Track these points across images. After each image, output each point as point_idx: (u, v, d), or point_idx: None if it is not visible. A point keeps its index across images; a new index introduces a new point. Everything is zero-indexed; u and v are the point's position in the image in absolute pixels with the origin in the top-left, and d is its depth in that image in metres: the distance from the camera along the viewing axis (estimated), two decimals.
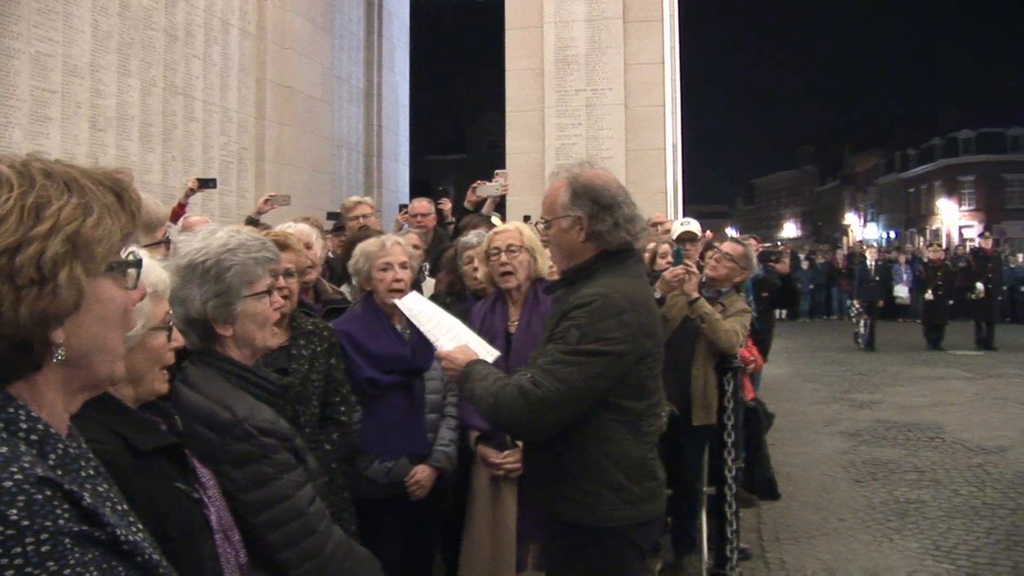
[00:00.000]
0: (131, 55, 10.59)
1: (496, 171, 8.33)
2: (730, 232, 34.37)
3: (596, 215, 3.08)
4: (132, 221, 1.32)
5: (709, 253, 6.01)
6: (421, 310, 3.60)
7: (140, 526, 1.31)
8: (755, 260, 6.21)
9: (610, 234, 3.09)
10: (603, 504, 3.01)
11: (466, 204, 7.94)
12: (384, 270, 4.19)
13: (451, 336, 3.36)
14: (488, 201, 7.98)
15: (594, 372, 2.92)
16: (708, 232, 8.90)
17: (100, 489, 1.27)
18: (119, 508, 1.28)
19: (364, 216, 6.81)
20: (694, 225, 7.56)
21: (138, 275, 1.35)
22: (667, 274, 5.21)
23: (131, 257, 1.33)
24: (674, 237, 6.75)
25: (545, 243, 3.37)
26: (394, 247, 4.30)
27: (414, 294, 3.87)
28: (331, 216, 8.17)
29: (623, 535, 3.07)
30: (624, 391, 3.04)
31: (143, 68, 10.83)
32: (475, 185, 7.95)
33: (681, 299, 5.46)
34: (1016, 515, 6.81)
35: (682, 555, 5.87)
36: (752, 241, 9.23)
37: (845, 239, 65.26)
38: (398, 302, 3.77)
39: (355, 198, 7.56)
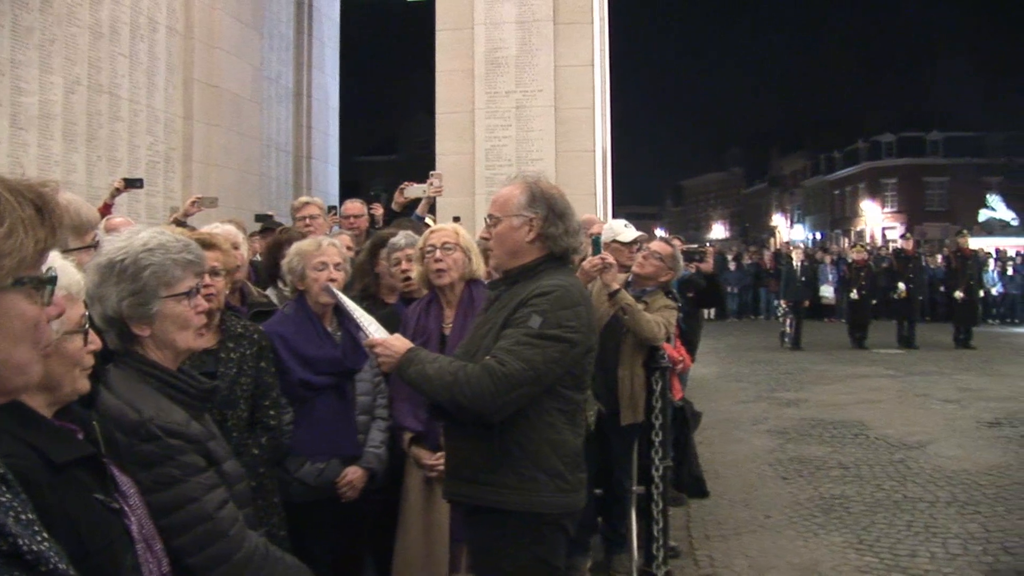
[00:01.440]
0: (53, 52, 10.39)
1: (431, 173, 8.28)
2: (659, 233, 34.67)
3: (550, 219, 3.24)
4: (51, 235, 1.29)
5: (612, 249, 6.00)
6: (347, 299, 3.62)
7: (46, 535, 1.27)
8: (682, 261, 6.26)
9: (561, 239, 3.26)
10: (541, 491, 3.09)
11: (394, 206, 7.88)
12: (319, 270, 4.19)
13: (375, 328, 3.34)
14: (423, 203, 7.94)
15: (554, 356, 3.05)
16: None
17: (2, 500, 1.24)
18: (23, 518, 1.25)
19: (312, 217, 6.75)
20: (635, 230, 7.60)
21: (52, 291, 1.32)
22: (586, 264, 5.18)
23: (49, 273, 1.30)
24: (621, 240, 6.73)
25: (486, 240, 3.39)
26: (329, 248, 4.32)
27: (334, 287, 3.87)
28: (259, 218, 8.04)
29: (556, 522, 3.16)
30: (568, 381, 3.17)
31: (66, 65, 10.62)
32: (403, 187, 7.90)
33: (606, 300, 5.47)
34: (934, 508, 6.98)
35: (612, 554, 5.91)
36: (677, 241, 9.33)
37: (772, 240, 66.20)
38: (326, 287, 3.78)
39: (304, 198, 7.48)
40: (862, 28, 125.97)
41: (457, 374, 3.02)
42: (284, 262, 4.40)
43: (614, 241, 6.13)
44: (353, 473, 4.12)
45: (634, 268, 5.82)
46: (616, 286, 5.36)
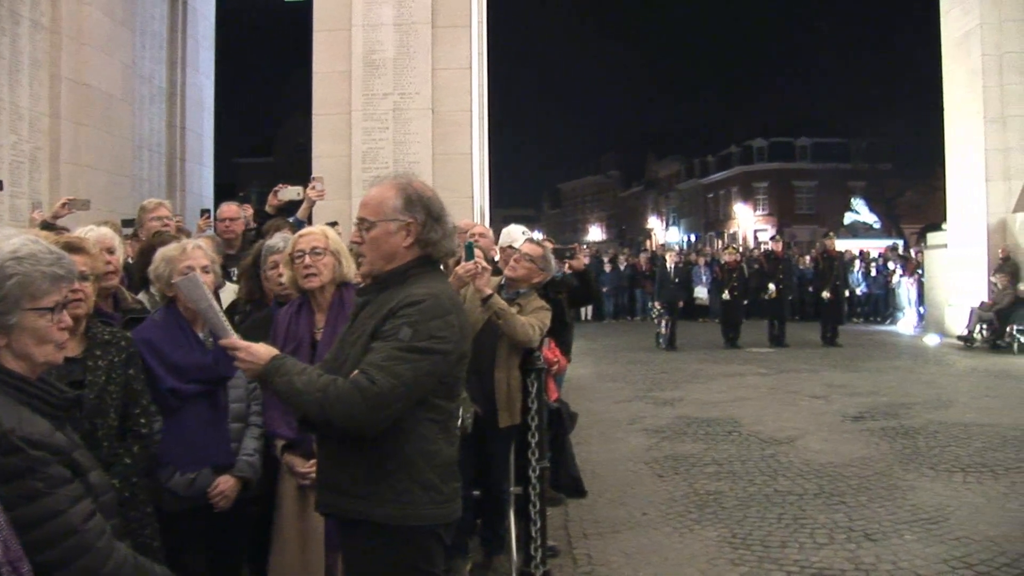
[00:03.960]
0: None
1: (312, 176, 8.18)
2: (537, 235, 34.90)
3: (428, 224, 3.14)
4: None
5: (508, 254, 6.05)
6: (201, 295, 3.30)
7: None
8: (554, 262, 6.31)
9: (440, 245, 3.19)
10: (416, 503, 3.02)
11: (268, 208, 7.76)
12: (185, 274, 4.09)
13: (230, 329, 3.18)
14: (304, 206, 7.83)
15: (425, 369, 2.96)
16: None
17: None
18: None
19: (165, 219, 6.60)
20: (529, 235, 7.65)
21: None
22: (459, 269, 5.18)
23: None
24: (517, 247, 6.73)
25: (358, 244, 3.27)
26: (195, 251, 4.23)
27: (195, 276, 3.66)
28: (127, 223, 7.80)
29: (433, 533, 3.11)
30: (440, 390, 3.09)
31: None
32: (277, 189, 7.79)
33: (480, 304, 5.49)
34: (803, 500, 7.19)
35: (491, 555, 5.92)
36: (548, 243, 9.43)
37: (648, 242, 67.33)
38: (176, 280, 3.68)
39: (154, 200, 7.30)
40: (735, 37, 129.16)
41: (327, 390, 2.90)
42: (151, 268, 4.29)
43: (509, 247, 6.17)
44: (225, 482, 4.04)
45: (506, 272, 5.84)
46: (488, 291, 5.38)
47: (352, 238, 3.29)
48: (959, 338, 18.53)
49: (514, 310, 5.60)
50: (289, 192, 7.81)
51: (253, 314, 4.90)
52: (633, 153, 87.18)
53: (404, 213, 3.13)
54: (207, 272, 4.19)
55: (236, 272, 5.79)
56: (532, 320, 5.63)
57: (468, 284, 5.31)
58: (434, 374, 3.01)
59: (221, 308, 3.48)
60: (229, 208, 7.62)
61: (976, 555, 5.84)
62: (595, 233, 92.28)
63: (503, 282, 5.82)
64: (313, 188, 7.85)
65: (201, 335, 4.13)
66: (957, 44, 19.63)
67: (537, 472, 5.45)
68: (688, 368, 15.54)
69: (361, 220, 3.20)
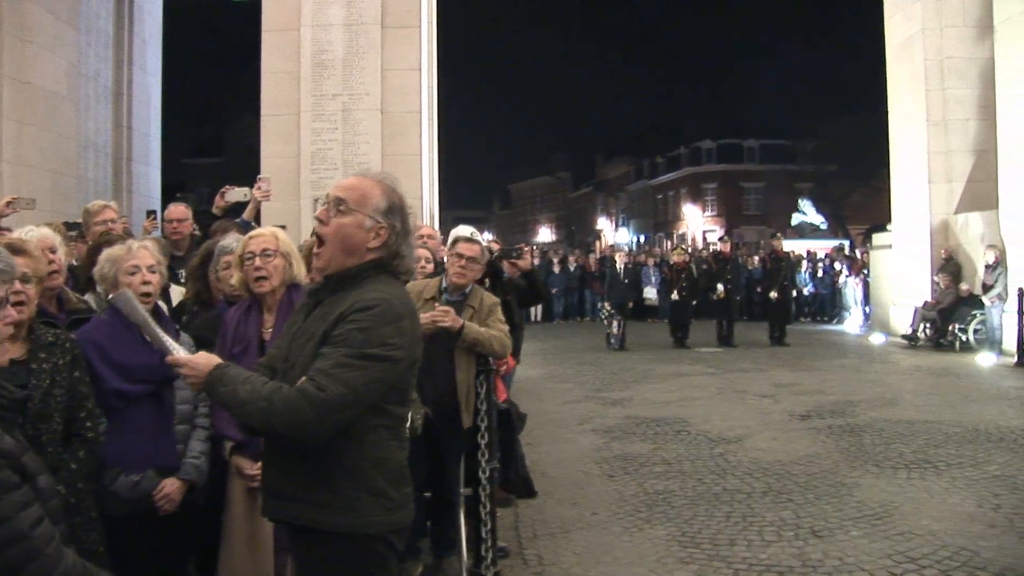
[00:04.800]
0: None
1: (259, 176, 8.11)
2: (487, 236, 34.87)
3: (400, 236, 3.09)
4: None
5: (452, 260, 6.02)
6: (136, 311, 3.33)
7: None
8: (486, 253, 6.35)
9: (405, 260, 3.14)
10: (366, 510, 2.97)
11: (214, 210, 7.69)
12: (131, 274, 4.05)
13: (171, 344, 3.14)
14: (250, 207, 7.77)
15: (375, 377, 2.90)
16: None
17: None
18: None
19: (111, 221, 6.52)
20: (475, 236, 7.66)
21: None
22: (425, 319, 5.24)
23: None
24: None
25: (320, 223, 3.10)
26: (141, 251, 4.17)
27: (126, 292, 3.63)
28: (71, 227, 7.65)
29: (384, 540, 3.06)
30: (392, 396, 3.04)
31: None
32: (224, 190, 7.72)
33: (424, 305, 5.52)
34: (751, 498, 7.26)
35: (441, 557, 5.91)
36: (494, 245, 9.49)
37: (597, 243, 67.58)
38: (113, 297, 3.63)
39: (100, 202, 7.21)
40: (685, 40, 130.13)
41: (272, 399, 2.83)
42: (95, 269, 4.24)
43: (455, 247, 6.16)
44: (171, 485, 3.98)
45: (454, 279, 5.82)
46: (458, 326, 5.44)
47: (319, 213, 3.12)
48: (903, 337, 18.84)
49: (468, 313, 5.65)
50: (236, 193, 7.75)
51: (201, 314, 4.85)
52: (583, 154, 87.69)
53: (384, 216, 3.07)
54: (154, 272, 4.14)
55: (184, 274, 5.74)
56: (500, 325, 5.72)
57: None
58: (384, 381, 2.95)
59: (170, 307, 3.47)
60: (177, 209, 7.53)
61: (919, 549, 5.96)
62: (545, 234, 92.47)
63: (445, 285, 5.82)
64: (258, 188, 7.79)
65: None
66: (900, 49, 19.96)
67: (487, 473, 5.46)
68: (637, 368, 15.60)
69: (339, 200, 3.07)
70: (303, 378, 2.90)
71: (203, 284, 5.03)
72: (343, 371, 2.85)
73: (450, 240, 6.14)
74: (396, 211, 3.09)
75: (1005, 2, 16.70)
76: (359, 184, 3.12)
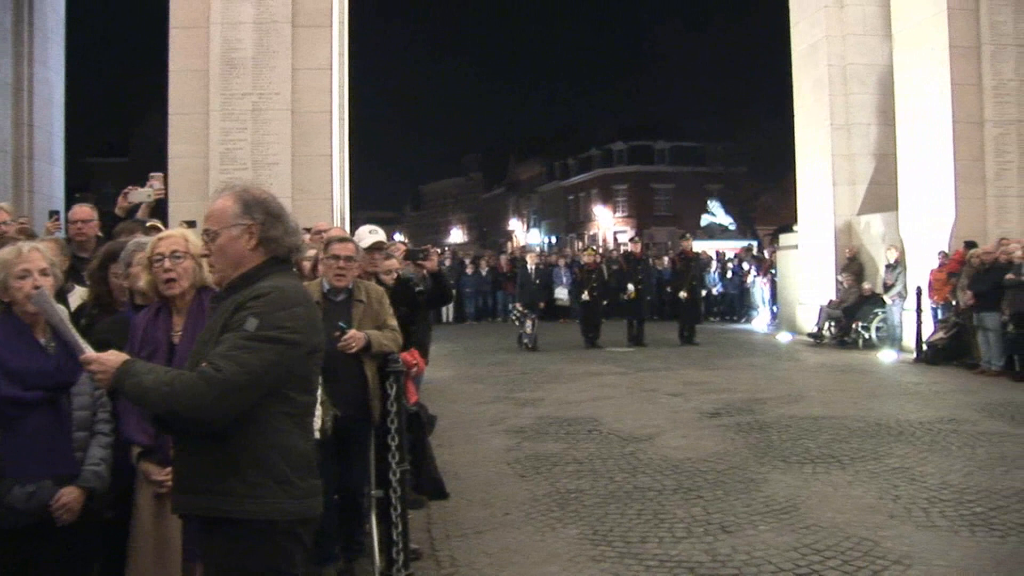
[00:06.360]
0: None
1: (150, 174, 7.95)
2: (397, 237, 34.73)
3: (268, 222, 3.22)
4: None
5: (322, 264, 6.00)
6: (52, 311, 3.39)
7: None
8: (362, 247, 6.40)
9: (283, 240, 3.26)
10: (271, 497, 3.04)
11: (117, 210, 7.53)
12: (22, 278, 3.93)
13: (83, 343, 3.18)
14: (142, 207, 7.62)
15: (271, 359, 3.00)
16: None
17: None
18: None
19: (3, 223, 6.34)
20: (381, 234, 7.63)
21: None
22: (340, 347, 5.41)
23: None
24: (364, 247, 6.69)
25: (206, 255, 3.30)
26: (32, 253, 4.04)
27: (43, 291, 3.61)
28: None
29: (290, 530, 3.11)
30: (294, 383, 3.13)
31: None
32: (126, 191, 7.56)
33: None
34: (662, 496, 7.34)
35: (352, 560, 5.88)
36: (402, 247, 9.50)
37: (509, 244, 67.79)
38: (32, 296, 3.57)
39: None
40: (598, 41, 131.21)
41: (173, 384, 2.92)
42: None
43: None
44: (68, 494, 3.86)
45: (335, 282, 5.77)
46: (364, 343, 5.55)
47: (201, 251, 3.33)
48: (809, 335, 19.27)
49: (359, 308, 5.74)
50: (140, 194, 7.61)
51: (102, 318, 4.74)
52: (495, 155, 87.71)
53: (244, 217, 3.20)
54: (46, 275, 4.03)
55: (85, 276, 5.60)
56: (391, 324, 5.82)
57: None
58: (281, 364, 3.04)
59: (69, 310, 3.42)
60: (81, 210, 7.35)
61: (824, 541, 6.10)
62: (456, 235, 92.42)
63: (328, 288, 5.80)
64: (151, 186, 7.66)
65: (43, 340, 3.97)
66: (805, 55, 20.43)
67: (398, 475, 5.44)
68: (549, 368, 15.65)
69: (206, 231, 3.25)
70: (203, 363, 2.99)
71: (103, 287, 4.91)
72: (239, 352, 2.97)
73: (324, 243, 6.12)
74: (252, 206, 3.23)
75: (903, 11, 17.27)
76: (214, 208, 3.28)
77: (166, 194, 8.60)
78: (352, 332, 5.54)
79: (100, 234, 7.35)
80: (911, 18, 16.98)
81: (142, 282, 4.35)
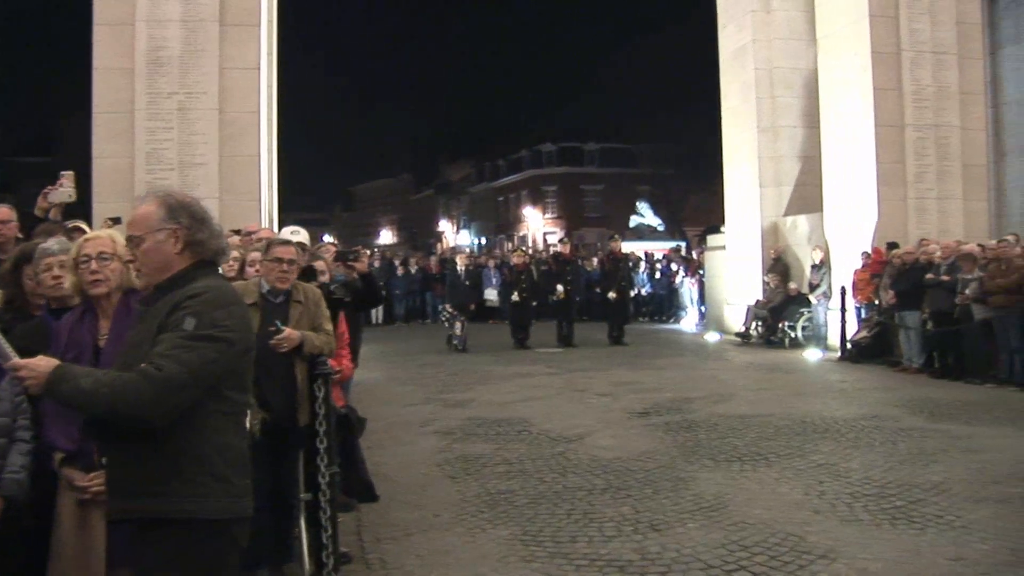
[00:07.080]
0: None
1: (61, 172, 7.80)
2: (327, 239, 34.48)
3: (194, 226, 3.23)
4: None
5: (262, 266, 5.96)
6: None
7: None
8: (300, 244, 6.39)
9: (209, 243, 3.27)
10: (211, 495, 3.04)
11: (36, 211, 7.37)
12: None
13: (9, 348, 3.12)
14: (53, 209, 7.47)
15: (210, 357, 3.01)
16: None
17: None
18: None
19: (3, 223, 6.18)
20: (303, 235, 7.56)
21: None
22: (273, 343, 5.39)
23: None
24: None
25: (132, 262, 3.33)
26: None
27: None
28: None
29: (227, 529, 3.12)
30: (232, 382, 3.16)
31: None
32: (46, 191, 7.42)
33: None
34: (592, 495, 7.39)
35: (282, 564, 5.82)
36: (331, 247, 9.44)
37: (439, 245, 67.69)
38: None
39: None
40: (527, 44, 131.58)
41: (114, 385, 2.91)
42: None
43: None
44: None
45: (277, 284, 5.73)
46: (298, 341, 5.55)
47: (126, 257, 3.34)
48: (737, 335, 19.53)
49: (298, 309, 5.71)
50: (60, 194, 7.47)
51: (16, 321, 4.62)
52: (425, 156, 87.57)
53: (169, 221, 3.21)
54: None
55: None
56: (326, 327, 5.81)
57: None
58: (220, 362, 3.06)
59: None
60: (2, 210, 7.17)
61: (751, 537, 6.21)
62: (386, 236, 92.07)
63: (268, 289, 5.75)
64: (60, 185, 7.53)
65: None
66: (732, 58, 20.70)
67: (327, 478, 5.42)
68: (479, 370, 15.66)
69: (130, 238, 3.26)
70: (143, 364, 2.98)
71: (17, 290, 4.79)
72: (179, 351, 2.97)
73: (265, 246, 6.08)
74: (176, 210, 3.25)
75: (827, 17, 17.64)
76: (137, 213, 3.30)
77: (89, 194, 8.43)
78: (287, 331, 5.52)
79: (20, 235, 7.18)
80: (835, 24, 17.34)
81: (67, 283, 4.26)
